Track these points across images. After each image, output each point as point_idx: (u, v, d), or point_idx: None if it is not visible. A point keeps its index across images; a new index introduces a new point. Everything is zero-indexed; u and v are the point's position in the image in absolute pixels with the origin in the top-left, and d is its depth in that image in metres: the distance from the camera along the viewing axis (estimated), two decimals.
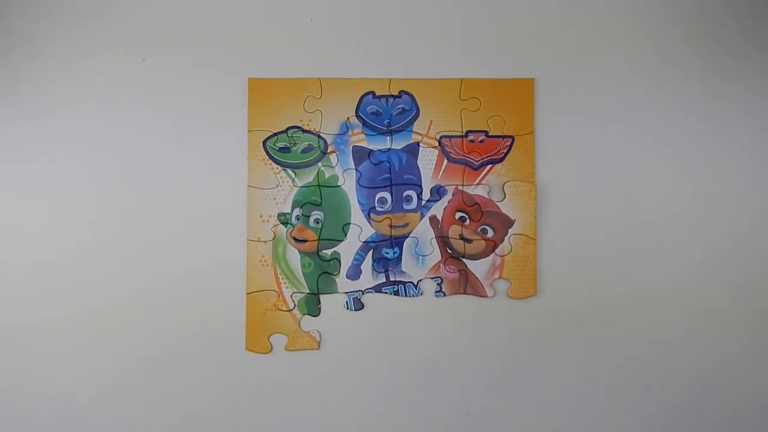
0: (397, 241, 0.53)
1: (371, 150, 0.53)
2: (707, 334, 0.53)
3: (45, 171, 0.53)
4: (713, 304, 0.53)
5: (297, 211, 0.53)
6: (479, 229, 0.53)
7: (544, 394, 0.52)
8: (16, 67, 0.53)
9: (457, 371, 0.52)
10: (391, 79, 0.53)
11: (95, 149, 0.53)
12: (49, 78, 0.53)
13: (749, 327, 0.53)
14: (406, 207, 0.53)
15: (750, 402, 0.52)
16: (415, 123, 0.53)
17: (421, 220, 0.53)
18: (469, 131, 0.53)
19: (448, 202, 0.53)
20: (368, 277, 0.53)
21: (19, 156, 0.53)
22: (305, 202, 0.53)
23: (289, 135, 0.53)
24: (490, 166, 0.53)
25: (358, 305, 0.52)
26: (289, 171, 0.53)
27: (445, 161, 0.53)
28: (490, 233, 0.53)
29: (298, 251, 0.53)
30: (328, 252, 0.53)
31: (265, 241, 0.53)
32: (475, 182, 0.53)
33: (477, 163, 0.53)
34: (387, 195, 0.53)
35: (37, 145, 0.53)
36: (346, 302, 0.52)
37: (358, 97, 0.53)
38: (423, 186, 0.53)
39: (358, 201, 0.53)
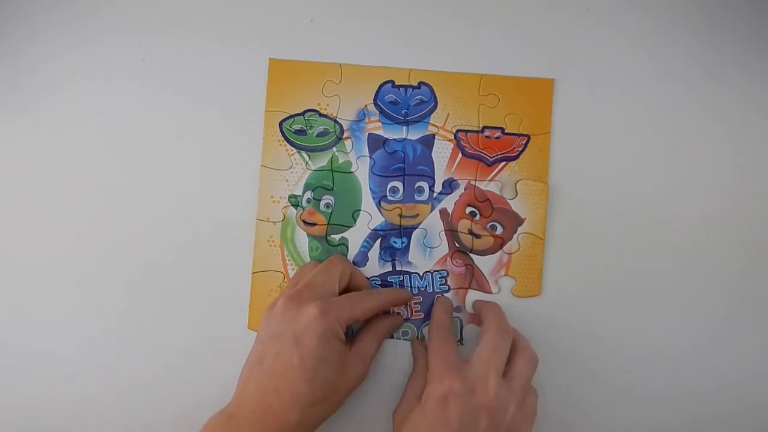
0: (406, 232, 0.53)
1: (386, 139, 0.53)
2: (717, 338, 0.53)
3: (49, 156, 0.53)
4: (725, 309, 0.53)
5: (308, 194, 0.53)
6: (489, 225, 0.53)
7: (545, 393, 0.52)
8: (16, 66, 0.53)
9: None
10: (411, 70, 0.53)
11: (106, 125, 0.53)
12: (49, 69, 0.53)
13: (762, 332, 0.53)
14: (417, 198, 0.53)
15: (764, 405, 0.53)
16: (432, 115, 0.53)
17: (431, 212, 0.53)
18: (485, 127, 0.53)
19: (460, 196, 0.53)
20: (374, 265, 0.53)
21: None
22: (317, 186, 0.53)
23: (306, 118, 0.53)
24: (504, 163, 0.53)
25: None
26: (304, 154, 0.53)
27: (460, 155, 0.53)
28: (500, 230, 0.53)
29: (307, 234, 0.53)
30: (337, 237, 0.53)
31: (274, 222, 0.53)
32: (488, 178, 0.53)
33: (491, 159, 0.53)
34: (399, 184, 0.53)
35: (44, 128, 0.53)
36: None
37: (377, 85, 0.53)
38: (436, 178, 0.53)
39: (370, 188, 0.53)
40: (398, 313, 0.52)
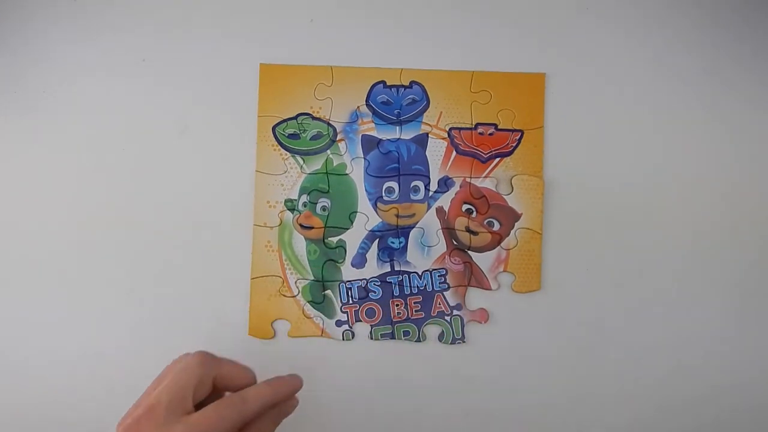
0: (403, 231, 0.53)
1: (380, 139, 0.53)
2: (717, 330, 0.53)
3: (46, 161, 0.53)
4: (724, 299, 0.53)
5: (304, 198, 0.53)
6: (486, 222, 0.53)
7: (546, 390, 0.52)
8: (16, 66, 0.53)
9: (457, 367, 0.52)
10: (402, 69, 0.53)
11: (106, 125, 0.53)
12: (49, 69, 0.53)
13: (764, 326, 0.53)
14: (413, 197, 0.53)
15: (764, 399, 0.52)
16: (425, 114, 0.53)
17: (427, 210, 0.53)
18: (478, 124, 0.53)
19: (456, 193, 0.53)
20: (373, 266, 0.53)
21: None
22: (313, 189, 0.53)
23: (299, 122, 0.53)
24: (498, 159, 0.53)
25: (362, 294, 0.52)
26: (298, 157, 0.53)
27: (454, 153, 0.53)
28: (497, 226, 0.53)
29: (304, 238, 0.53)
30: (334, 240, 0.53)
31: (271, 227, 0.53)
32: (483, 175, 0.53)
33: (485, 156, 0.53)
34: (394, 185, 0.53)
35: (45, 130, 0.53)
36: (350, 290, 0.53)
37: (369, 86, 0.53)
38: (431, 177, 0.53)
39: (366, 190, 0.53)
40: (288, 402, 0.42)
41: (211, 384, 0.39)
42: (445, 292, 0.53)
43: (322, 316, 0.53)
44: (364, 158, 0.53)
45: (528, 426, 0.52)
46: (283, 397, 0.40)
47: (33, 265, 0.53)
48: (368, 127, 0.53)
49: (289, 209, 0.53)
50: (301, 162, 0.53)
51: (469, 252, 0.53)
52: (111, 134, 0.53)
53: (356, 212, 0.53)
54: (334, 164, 0.53)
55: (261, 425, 0.39)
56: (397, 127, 0.53)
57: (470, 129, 0.53)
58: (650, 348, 0.53)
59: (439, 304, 0.53)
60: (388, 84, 0.53)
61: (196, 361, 0.39)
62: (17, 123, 0.53)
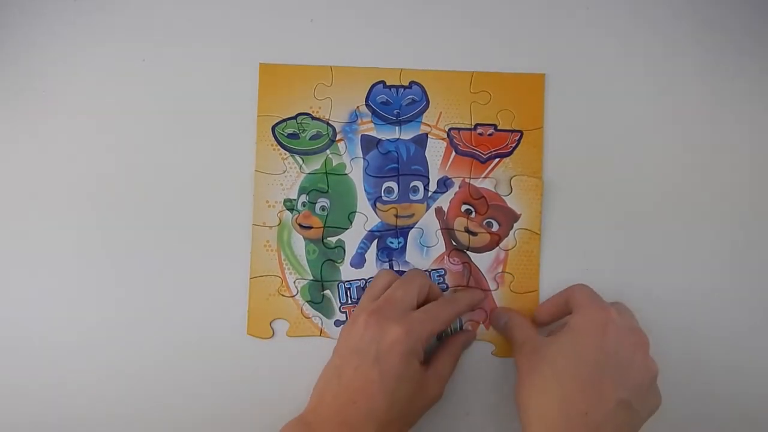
0: (402, 232, 0.53)
1: (380, 139, 0.53)
2: (716, 332, 0.53)
3: (44, 162, 0.53)
4: (723, 298, 0.53)
5: (303, 198, 0.53)
6: (484, 223, 0.53)
7: None
8: (16, 67, 0.53)
9: (457, 367, 0.52)
10: (402, 70, 0.53)
11: (100, 130, 0.53)
12: (49, 72, 0.53)
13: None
14: (412, 197, 0.53)
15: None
16: (424, 114, 0.53)
17: (426, 211, 0.53)
18: (478, 124, 0.53)
19: (455, 194, 0.53)
20: (372, 267, 0.53)
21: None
22: (312, 189, 0.53)
23: (299, 122, 0.53)
24: (497, 159, 0.53)
25: (361, 294, 0.53)
26: (297, 157, 0.53)
27: (453, 153, 0.53)
28: (496, 227, 0.53)
29: (303, 238, 0.53)
30: (333, 239, 0.53)
31: (270, 227, 0.53)
32: (482, 175, 0.53)
33: (485, 157, 0.53)
34: (394, 185, 0.53)
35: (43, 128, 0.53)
36: (349, 290, 0.53)
37: (369, 87, 0.53)
38: (430, 177, 0.53)
39: (365, 190, 0.53)
40: (469, 330, 0.52)
41: (427, 291, 0.49)
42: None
43: (321, 316, 0.53)
44: (364, 158, 0.53)
45: None
46: (478, 301, 0.52)
47: (33, 265, 0.53)
48: (368, 127, 0.53)
49: (288, 209, 0.53)
50: (301, 162, 0.53)
51: (468, 252, 0.53)
52: (110, 134, 0.53)
53: (355, 212, 0.53)
54: (334, 164, 0.53)
55: (451, 348, 0.50)
56: (397, 128, 0.53)
57: (470, 129, 0.53)
58: (651, 344, 0.52)
59: None
60: (387, 84, 0.53)
61: (417, 273, 0.50)
62: (17, 123, 0.53)
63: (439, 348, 0.50)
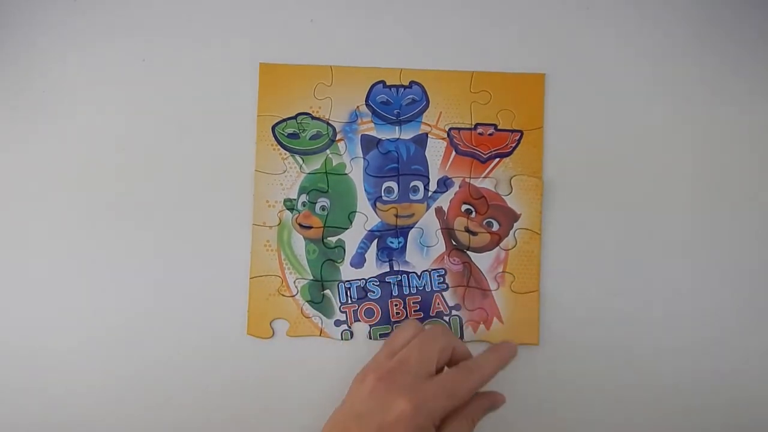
0: (403, 231, 0.53)
1: (380, 139, 0.53)
2: (718, 333, 0.53)
3: (45, 160, 0.53)
4: (724, 306, 0.53)
5: (303, 198, 0.53)
6: (485, 222, 0.53)
7: (547, 385, 0.52)
8: (16, 67, 0.53)
9: None
10: (402, 69, 0.53)
11: (100, 130, 0.53)
12: (49, 72, 0.53)
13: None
14: (412, 197, 0.53)
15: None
16: (424, 114, 0.53)
17: (427, 211, 0.53)
18: (478, 124, 0.53)
19: (455, 193, 0.53)
20: (372, 266, 0.53)
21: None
22: (312, 189, 0.53)
23: (299, 121, 0.53)
24: (498, 159, 0.53)
25: (361, 294, 0.53)
26: (297, 157, 0.53)
27: (453, 153, 0.53)
28: (496, 227, 0.53)
29: (303, 237, 0.53)
30: (333, 239, 0.53)
31: (270, 226, 0.53)
32: (483, 175, 0.53)
33: (485, 156, 0.53)
34: (394, 185, 0.53)
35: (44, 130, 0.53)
36: (348, 291, 0.53)
37: (369, 86, 0.53)
38: (430, 177, 0.53)
39: (365, 190, 0.53)
40: (498, 394, 0.44)
41: (450, 354, 0.43)
42: (444, 293, 0.53)
43: (321, 315, 0.53)
44: (364, 158, 0.53)
45: (529, 425, 0.52)
46: (509, 360, 0.45)
47: (33, 265, 0.53)
48: (368, 127, 0.53)
49: (288, 209, 0.53)
50: (301, 162, 0.53)
51: (468, 252, 0.53)
52: (110, 134, 0.53)
53: (355, 212, 0.53)
54: (334, 164, 0.53)
55: (471, 411, 0.42)
56: (397, 127, 0.53)
57: (470, 129, 0.53)
58: (650, 348, 0.52)
59: (438, 304, 0.53)
60: (387, 84, 0.53)
61: (441, 331, 0.44)
62: (17, 123, 0.53)
63: (457, 410, 0.41)
